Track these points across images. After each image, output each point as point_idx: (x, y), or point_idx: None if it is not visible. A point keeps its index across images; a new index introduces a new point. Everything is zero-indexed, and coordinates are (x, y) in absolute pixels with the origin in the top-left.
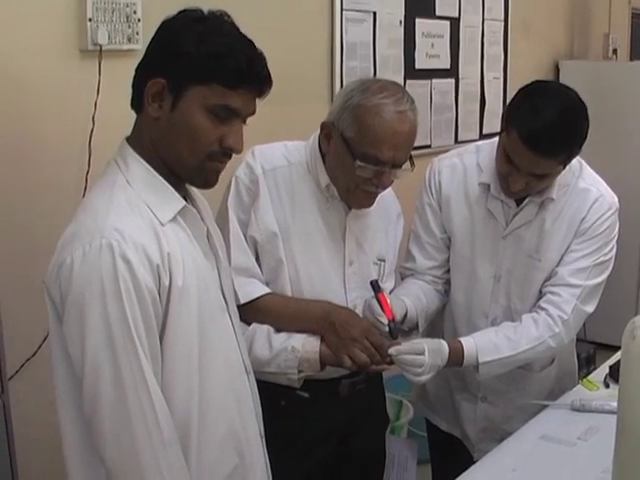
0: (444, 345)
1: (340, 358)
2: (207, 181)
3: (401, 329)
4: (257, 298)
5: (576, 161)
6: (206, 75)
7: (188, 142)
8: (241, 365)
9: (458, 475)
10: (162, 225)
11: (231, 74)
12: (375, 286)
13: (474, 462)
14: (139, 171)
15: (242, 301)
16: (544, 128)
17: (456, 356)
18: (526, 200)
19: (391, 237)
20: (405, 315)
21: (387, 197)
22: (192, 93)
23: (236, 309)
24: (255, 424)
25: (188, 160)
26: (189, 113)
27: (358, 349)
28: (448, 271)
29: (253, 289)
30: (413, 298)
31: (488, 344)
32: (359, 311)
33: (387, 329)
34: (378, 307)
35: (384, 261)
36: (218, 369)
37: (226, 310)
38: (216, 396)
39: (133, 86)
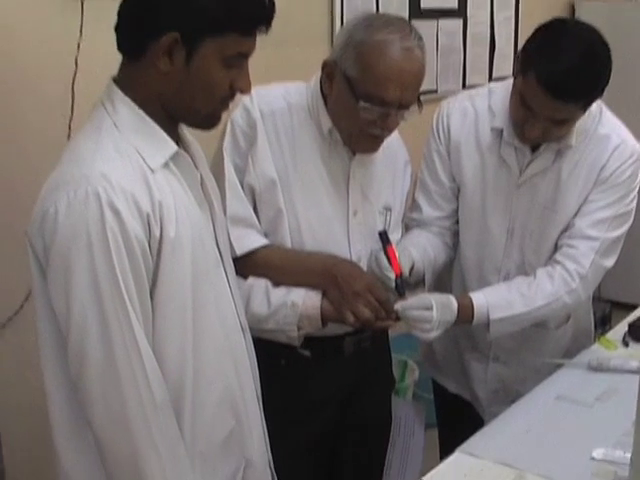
0: (453, 300)
1: (342, 314)
2: (215, 124)
3: (408, 282)
4: (254, 250)
5: (596, 105)
6: (222, 27)
7: (204, 95)
8: (237, 322)
9: (467, 439)
10: (152, 172)
11: (247, 22)
12: (384, 238)
13: (485, 425)
14: (127, 114)
15: (238, 253)
16: (565, 71)
17: (465, 313)
18: (542, 147)
19: (398, 185)
20: (412, 268)
21: (394, 143)
22: (207, 46)
23: (232, 262)
24: (252, 385)
25: (202, 110)
26: (205, 68)
27: (362, 305)
28: (456, 222)
29: (250, 241)
30: (420, 250)
31: (500, 300)
32: (363, 264)
33: (394, 285)
34: (386, 261)
35: (390, 210)
36: (213, 327)
37: (221, 264)
38: (211, 356)
39: (122, 29)
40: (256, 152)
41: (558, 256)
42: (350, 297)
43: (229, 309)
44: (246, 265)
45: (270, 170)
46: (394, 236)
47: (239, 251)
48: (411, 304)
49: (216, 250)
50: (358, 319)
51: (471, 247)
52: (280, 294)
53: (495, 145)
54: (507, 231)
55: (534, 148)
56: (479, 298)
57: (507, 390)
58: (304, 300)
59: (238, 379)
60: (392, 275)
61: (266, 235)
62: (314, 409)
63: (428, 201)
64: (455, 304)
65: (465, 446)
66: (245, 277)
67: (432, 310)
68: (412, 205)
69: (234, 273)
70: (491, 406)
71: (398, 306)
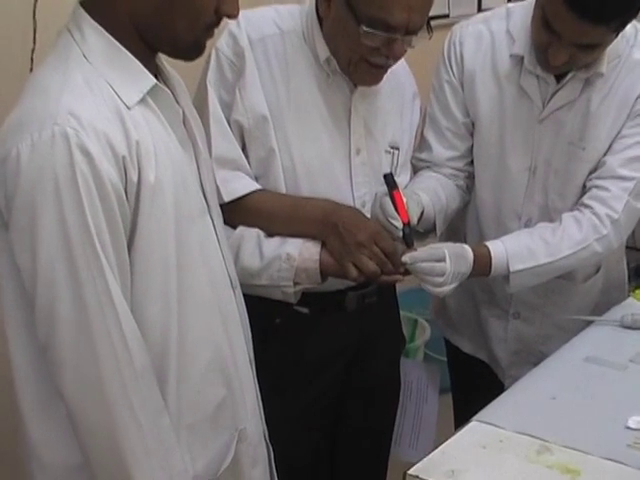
0: (468, 250)
1: (344, 267)
2: (198, 53)
3: (417, 231)
4: (244, 196)
5: (631, 26)
6: None
7: (188, 20)
8: (226, 278)
9: (485, 405)
10: (128, 108)
11: None
12: (390, 181)
13: (504, 390)
14: (99, 42)
15: (226, 199)
16: None
17: (482, 263)
18: (568, 76)
19: (406, 121)
20: (421, 214)
21: (401, 73)
22: None
23: (219, 209)
24: (244, 348)
25: (185, 37)
26: None
27: (365, 256)
28: (471, 163)
29: (239, 185)
30: (430, 194)
31: (521, 249)
32: (367, 210)
33: (401, 234)
34: (392, 207)
35: (398, 149)
36: (199, 283)
37: (207, 211)
38: (198, 315)
39: None
40: (244, 84)
41: (586, 199)
42: (353, 248)
43: (217, 262)
44: (235, 212)
45: (260, 104)
46: (402, 179)
47: (227, 197)
48: (421, 256)
49: (201, 195)
50: (362, 273)
51: (488, 189)
52: (274, 245)
53: (514, 74)
54: (528, 170)
55: (559, 77)
56: (497, 247)
57: (529, 350)
58: (301, 251)
59: (228, 341)
60: (399, 223)
61: (257, 178)
62: (314, 372)
63: (439, 139)
64: (470, 254)
65: (483, 414)
66: (234, 226)
67: (445, 262)
68: (421, 144)
69: (222, 222)
70: (511, 369)
71: (406, 258)
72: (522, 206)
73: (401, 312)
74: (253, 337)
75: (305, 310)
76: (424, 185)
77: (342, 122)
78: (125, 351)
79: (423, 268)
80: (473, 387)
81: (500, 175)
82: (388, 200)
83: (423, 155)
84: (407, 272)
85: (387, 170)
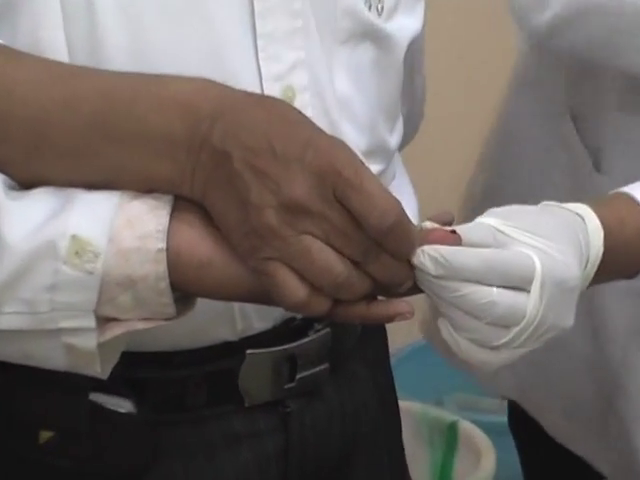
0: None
1: (262, 270)
2: None
3: None
4: None
5: None
6: None
7: None
8: None
9: None
10: None
11: None
12: None
13: None
14: None
15: None
16: None
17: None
18: None
19: None
20: None
21: None
22: None
23: None
24: None
25: None
26: None
27: (319, 236)
28: None
29: None
30: None
31: None
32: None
33: None
34: None
35: None
36: None
37: None
38: None
39: None
40: None
41: None
42: (283, 214)
43: None
44: None
45: None
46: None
47: None
48: (471, 236)
49: None
50: (313, 287)
51: None
52: (34, 212)
53: None
54: None
55: None
56: None
57: None
58: (117, 228)
59: None
60: None
61: None
62: None
63: None
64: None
65: None
66: None
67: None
68: None
69: None
70: None
71: (429, 249)
72: None
73: (409, 405)
74: None
75: (128, 407)
76: None
77: None
78: None
79: (465, 297)
80: None
81: None
82: None
83: None
84: (417, 289)
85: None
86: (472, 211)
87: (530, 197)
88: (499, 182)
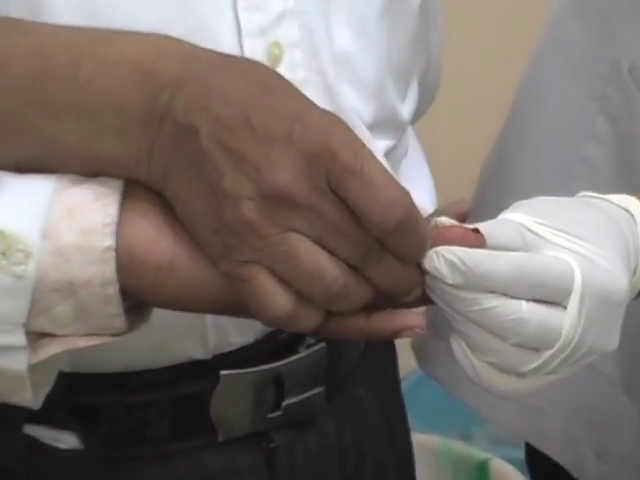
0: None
1: (238, 275)
2: None
3: None
4: None
5: None
6: None
7: None
8: None
9: None
10: None
11: None
12: None
13: None
14: None
15: None
16: None
17: None
18: None
19: None
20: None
21: None
22: None
23: None
24: None
25: None
26: None
27: (308, 231)
28: None
29: None
30: None
31: None
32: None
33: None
34: None
35: None
36: None
37: None
38: None
39: None
40: None
41: None
42: (266, 209)
43: None
44: None
45: None
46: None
47: None
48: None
49: None
50: (303, 298)
51: None
52: None
53: None
54: None
55: None
56: None
57: None
58: (55, 220)
59: None
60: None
61: None
62: None
63: None
64: None
65: None
66: None
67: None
68: None
69: None
70: None
71: (442, 249)
72: None
73: (427, 438)
74: None
75: (71, 441)
76: None
77: None
78: None
79: (487, 315)
80: None
81: None
82: None
83: None
84: (427, 300)
85: None
86: (482, 190)
87: (556, 177)
88: (515, 157)
